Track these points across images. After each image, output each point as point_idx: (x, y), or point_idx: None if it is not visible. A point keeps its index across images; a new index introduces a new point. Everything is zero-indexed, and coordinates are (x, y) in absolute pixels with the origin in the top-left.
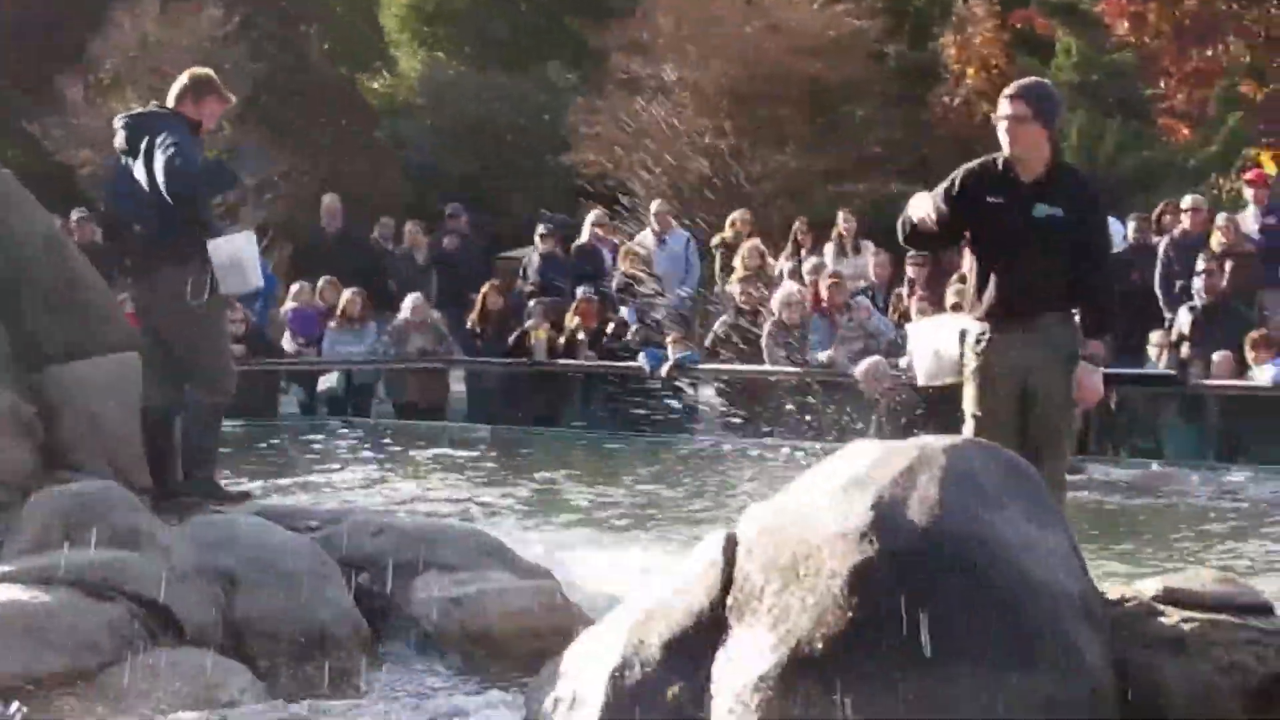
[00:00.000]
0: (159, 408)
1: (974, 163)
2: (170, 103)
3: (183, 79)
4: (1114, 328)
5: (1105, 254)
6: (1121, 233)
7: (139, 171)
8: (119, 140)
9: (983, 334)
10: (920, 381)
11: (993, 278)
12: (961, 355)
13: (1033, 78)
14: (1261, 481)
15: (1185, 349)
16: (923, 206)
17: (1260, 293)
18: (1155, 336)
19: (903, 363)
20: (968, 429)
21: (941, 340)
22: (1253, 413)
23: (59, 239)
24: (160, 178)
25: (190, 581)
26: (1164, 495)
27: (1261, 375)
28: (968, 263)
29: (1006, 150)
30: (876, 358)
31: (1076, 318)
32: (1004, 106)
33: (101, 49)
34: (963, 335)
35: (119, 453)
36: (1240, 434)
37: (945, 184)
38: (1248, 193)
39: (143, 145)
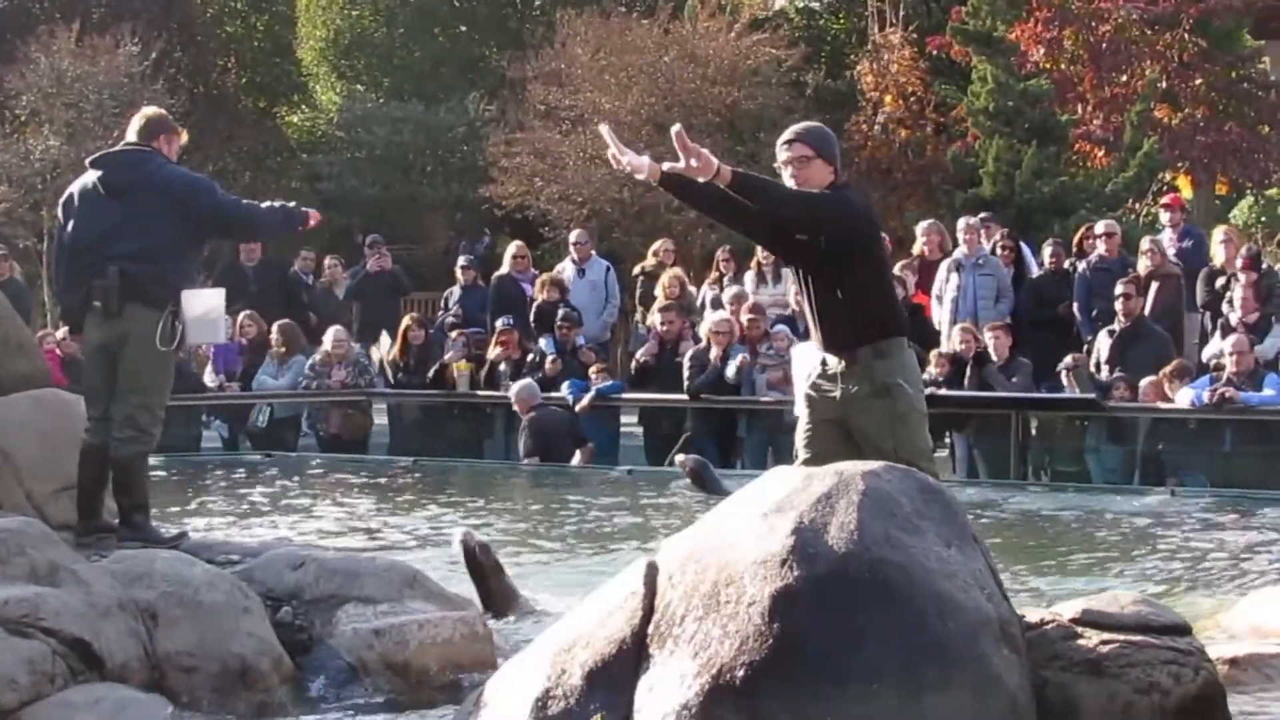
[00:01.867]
0: (99, 445)
1: None
2: (143, 139)
3: (149, 117)
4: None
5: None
6: (1035, 259)
7: (132, 210)
8: (97, 178)
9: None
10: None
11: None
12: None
13: (807, 124)
14: (1181, 503)
15: (1104, 372)
16: None
17: (1183, 315)
18: (1067, 360)
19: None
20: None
21: (811, 364)
22: (1173, 436)
23: None
24: (230, 214)
25: (111, 616)
26: (1084, 518)
27: (1181, 397)
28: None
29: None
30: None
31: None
32: (782, 153)
33: (17, 84)
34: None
35: (35, 489)
36: (1161, 456)
37: None
38: (1164, 217)
39: (141, 184)
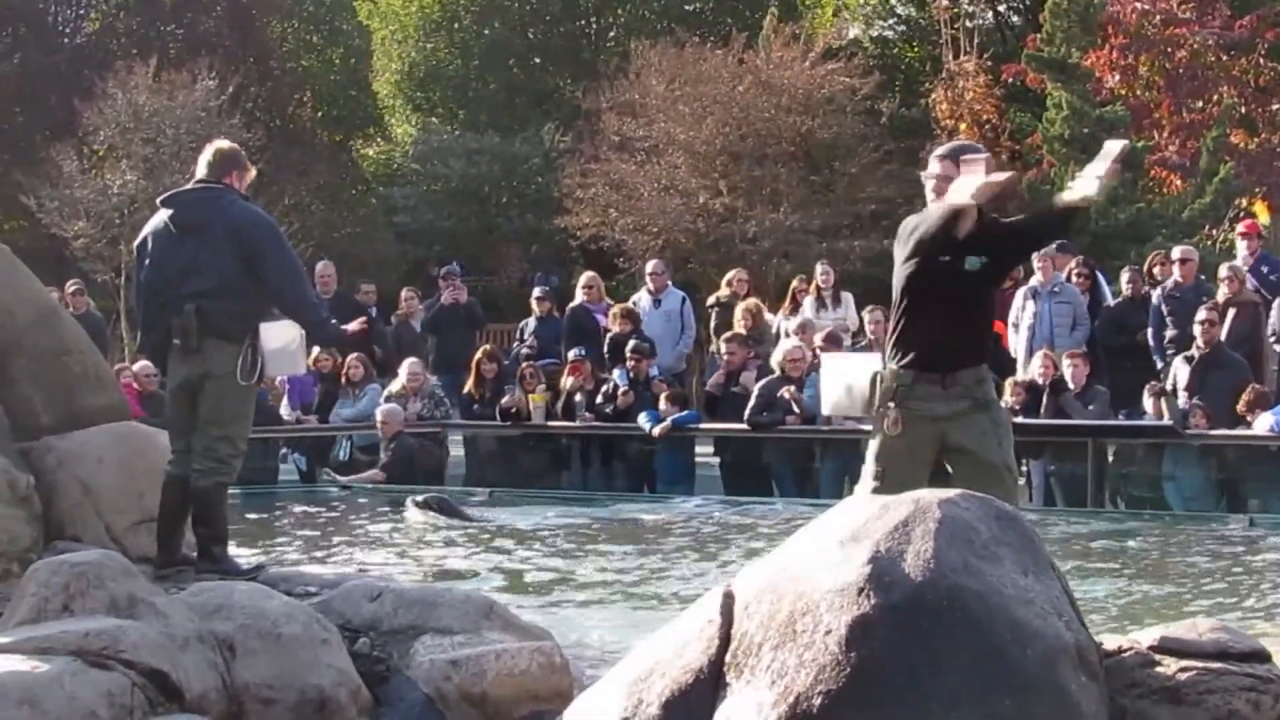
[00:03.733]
0: (181, 477)
1: (913, 218)
2: (213, 175)
3: (219, 151)
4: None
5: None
6: (1110, 287)
7: (204, 249)
8: (168, 216)
9: (905, 381)
10: (825, 411)
11: (917, 327)
12: (872, 396)
13: (963, 141)
14: (1261, 530)
15: (1183, 399)
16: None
17: (1263, 342)
18: (1153, 386)
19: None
20: (867, 477)
21: (856, 376)
22: (1252, 463)
23: (53, 310)
24: (290, 294)
25: (189, 648)
26: (1162, 545)
27: (1260, 424)
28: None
29: (932, 205)
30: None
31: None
32: (937, 163)
33: (95, 120)
34: (875, 378)
35: (116, 522)
36: (1240, 484)
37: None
38: (1240, 243)
39: (211, 222)
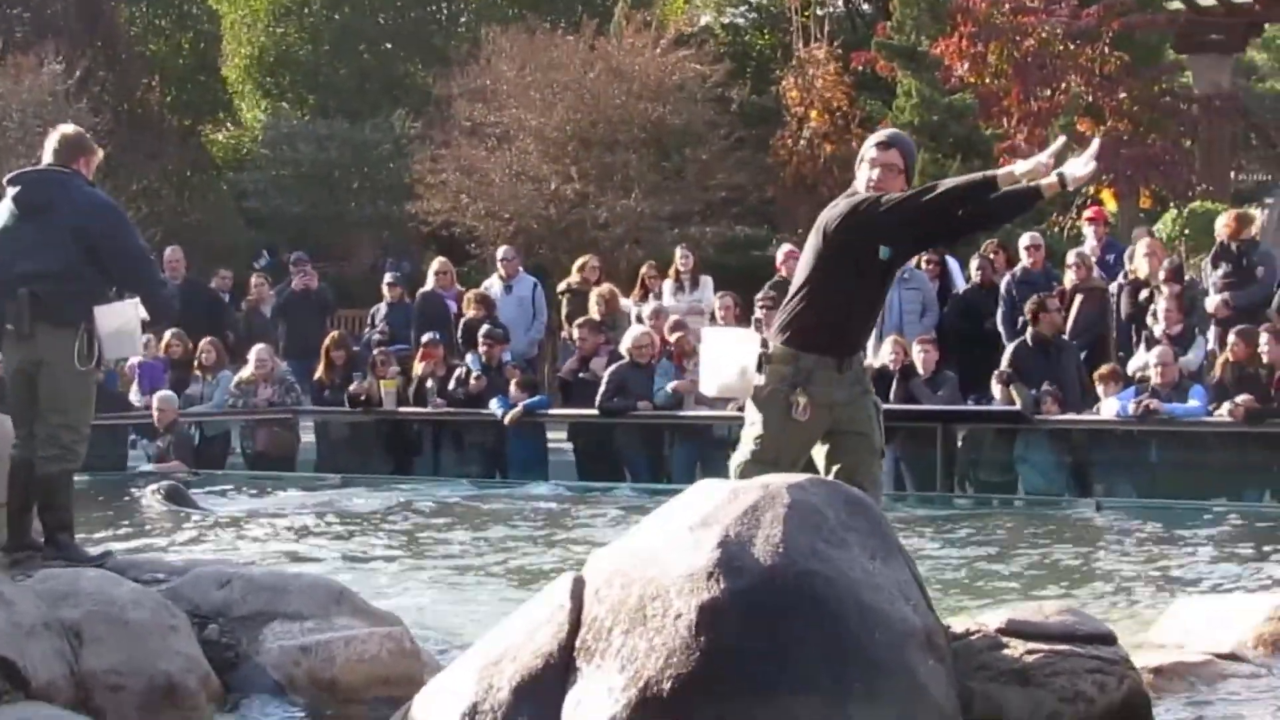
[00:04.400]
0: (26, 462)
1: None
2: (60, 160)
3: (65, 137)
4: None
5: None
6: (962, 273)
7: (46, 230)
8: (13, 196)
9: (808, 366)
10: (710, 392)
11: (831, 310)
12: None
13: (898, 131)
14: (1108, 515)
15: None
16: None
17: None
18: (998, 375)
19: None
20: (744, 458)
21: (746, 355)
22: (1099, 448)
23: None
24: (141, 275)
25: (36, 635)
26: (1010, 529)
27: (1107, 409)
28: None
29: (864, 191)
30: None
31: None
32: (877, 151)
33: None
34: (762, 359)
35: None
36: (1088, 468)
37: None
38: (1088, 230)
39: (57, 204)
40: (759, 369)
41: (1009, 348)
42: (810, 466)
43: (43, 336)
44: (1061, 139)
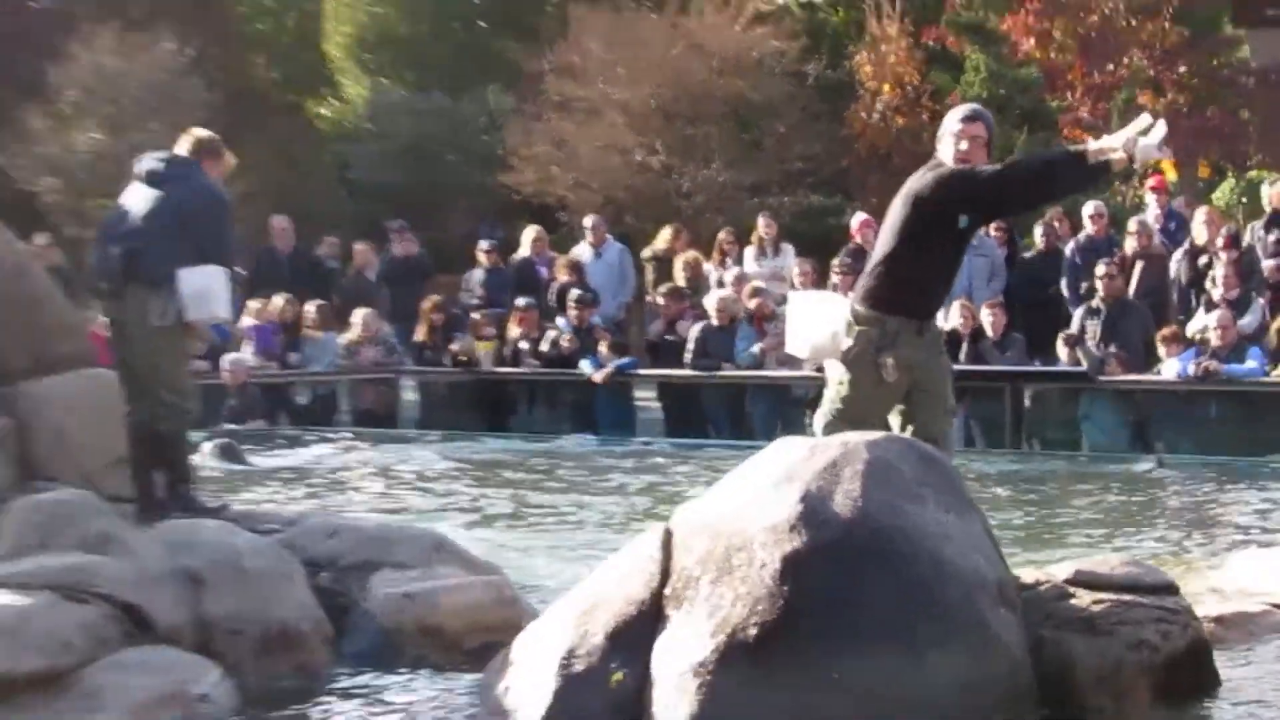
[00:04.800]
0: (140, 420)
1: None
2: (188, 152)
3: (197, 135)
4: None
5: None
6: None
7: (155, 201)
8: (146, 167)
9: (893, 329)
10: (801, 354)
11: (915, 275)
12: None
13: (980, 107)
14: (1169, 470)
15: (1096, 347)
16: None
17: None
18: (1063, 336)
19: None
20: (828, 416)
21: (836, 320)
22: (1161, 407)
23: (22, 262)
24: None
25: (160, 583)
26: (1076, 484)
27: (1168, 369)
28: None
29: (953, 163)
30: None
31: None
32: (962, 125)
33: (61, 80)
34: (849, 324)
35: (88, 463)
36: (1150, 426)
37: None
38: (1149, 199)
39: (172, 180)
40: (846, 332)
41: (1077, 311)
42: (885, 424)
43: (130, 295)
44: (1146, 118)
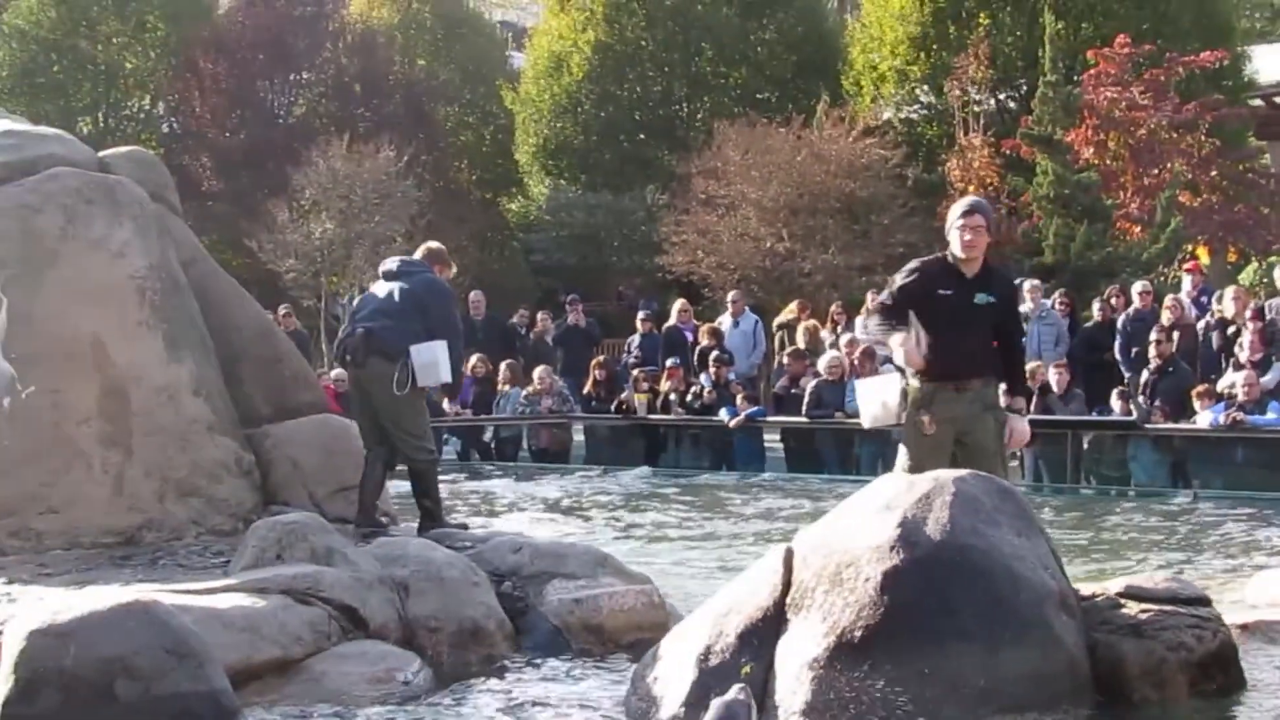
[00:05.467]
0: (376, 460)
1: (923, 262)
2: (423, 258)
3: (430, 247)
4: (1025, 388)
5: (1021, 330)
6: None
7: (394, 291)
8: (387, 266)
9: (929, 392)
10: (866, 425)
11: (940, 348)
12: (903, 407)
13: (977, 198)
14: (1203, 504)
15: (1143, 400)
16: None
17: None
18: (1116, 391)
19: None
20: (901, 464)
21: (887, 394)
22: (1196, 451)
23: (269, 326)
24: (449, 337)
25: (373, 588)
26: (1125, 514)
27: (1202, 419)
28: (915, 336)
29: (961, 253)
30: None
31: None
32: (965, 219)
33: (302, 181)
34: (904, 392)
35: (316, 491)
36: (1187, 465)
37: (904, 279)
38: (1185, 279)
39: (408, 276)
40: (902, 401)
41: (1140, 371)
42: None
43: (372, 366)
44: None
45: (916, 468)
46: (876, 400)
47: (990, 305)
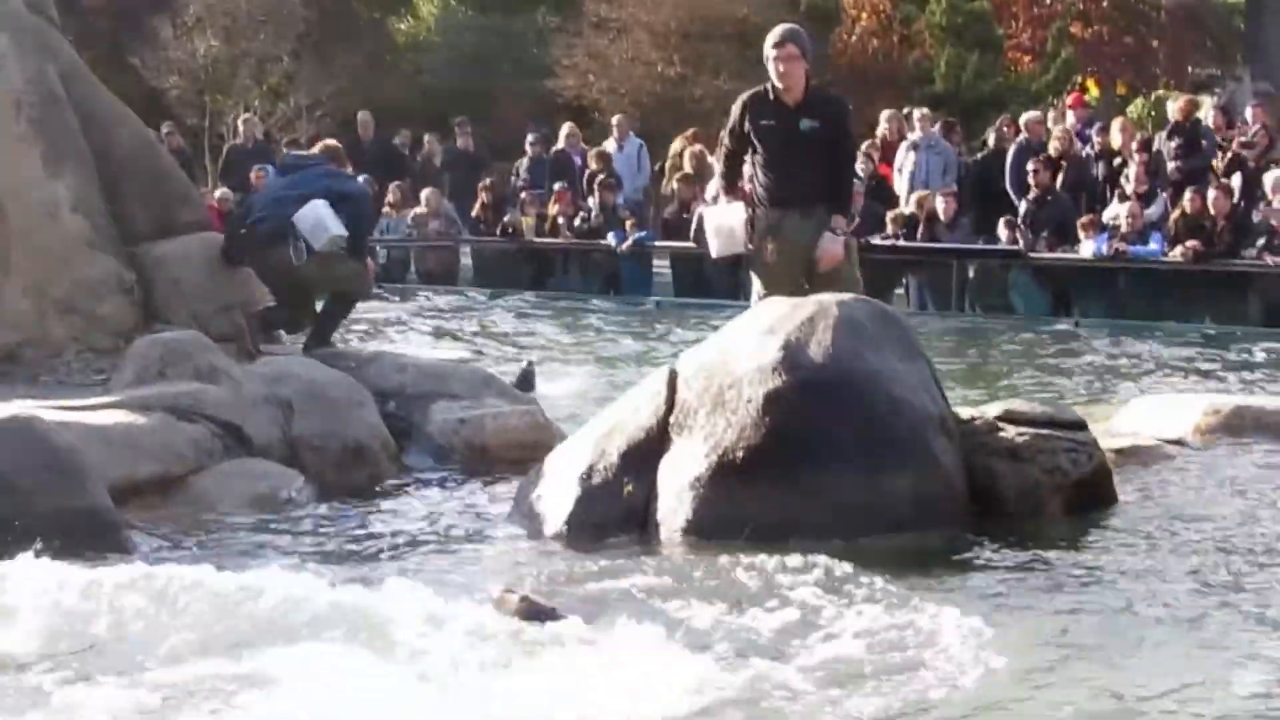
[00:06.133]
0: (271, 321)
1: (745, 96)
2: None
3: (327, 147)
4: (850, 209)
5: (852, 153)
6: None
7: (295, 183)
8: (277, 164)
9: (775, 219)
10: (714, 254)
11: (773, 177)
12: (750, 234)
13: (791, 25)
14: (1083, 332)
15: (1024, 229)
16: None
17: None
18: (1003, 220)
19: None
20: (757, 291)
21: (734, 222)
22: (1079, 280)
23: (152, 144)
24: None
25: (257, 407)
26: (1007, 341)
27: (1085, 249)
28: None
29: (779, 83)
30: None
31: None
32: (778, 50)
33: None
34: (750, 220)
35: (200, 309)
36: (1068, 294)
37: (732, 119)
38: (1069, 112)
39: (309, 167)
40: (747, 229)
41: (1022, 201)
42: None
43: (271, 255)
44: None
45: (769, 295)
46: (725, 229)
47: (814, 130)
